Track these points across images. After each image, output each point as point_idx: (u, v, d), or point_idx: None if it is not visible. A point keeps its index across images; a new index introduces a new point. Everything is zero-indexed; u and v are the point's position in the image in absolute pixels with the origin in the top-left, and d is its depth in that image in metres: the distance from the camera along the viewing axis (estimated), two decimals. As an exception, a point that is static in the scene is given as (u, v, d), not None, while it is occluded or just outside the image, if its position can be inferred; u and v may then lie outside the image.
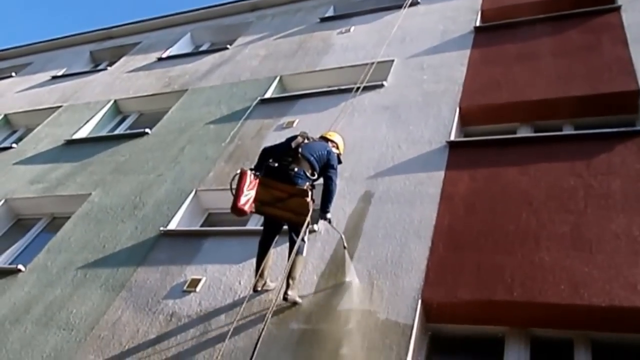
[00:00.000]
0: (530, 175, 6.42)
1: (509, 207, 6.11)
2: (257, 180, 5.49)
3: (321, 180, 5.83)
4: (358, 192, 6.94)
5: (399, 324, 5.20)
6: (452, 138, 7.39)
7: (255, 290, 5.59)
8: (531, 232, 5.72)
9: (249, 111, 9.61)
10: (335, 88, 9.40)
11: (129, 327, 6.19)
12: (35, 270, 7.62)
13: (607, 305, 4.86)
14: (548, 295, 5.06)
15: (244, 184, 5.37)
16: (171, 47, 14.01)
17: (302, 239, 5.45)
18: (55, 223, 9.01)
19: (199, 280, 6.44)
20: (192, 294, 6.32)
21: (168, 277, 6.68)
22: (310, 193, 5.47)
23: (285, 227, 5.81)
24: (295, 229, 5.55)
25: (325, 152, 5.85)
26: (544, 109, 7.70)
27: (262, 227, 5.99)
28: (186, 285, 6.45)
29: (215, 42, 14.29)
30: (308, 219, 5.33)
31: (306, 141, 5.81)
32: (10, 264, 8.41)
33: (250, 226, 7.19)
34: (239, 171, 5.49)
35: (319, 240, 6.35)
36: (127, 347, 5.95)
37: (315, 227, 6.43)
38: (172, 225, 7.59)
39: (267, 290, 5.82)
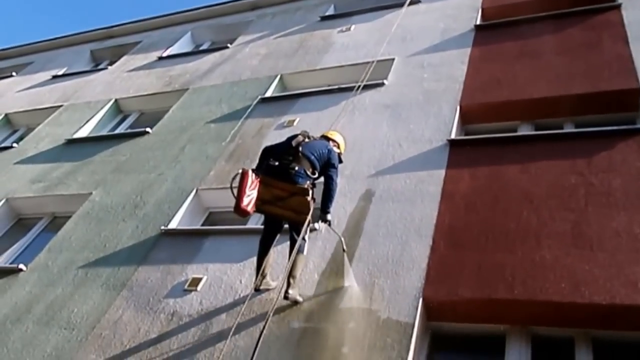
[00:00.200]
0: (531, 173, 6.42)
1: (509, 205, 6.11)
2: (259, 180, 5.49)
3: (322, 179, 5.83)
4: (359, 191, 6.94)
5: (400, 322, 5.21)
6: (453, 136, 7.39)
7: (256, 289, 5.60)
8: (532, 230, 5.71)
9: (249, 110, 9.61)
10: (336, 87, 9.40)
11: (130, 326, 6.19)
12: (37, 269, 7.63)
13: (608, 303, 4.86)
14: (549, 294, 5.06)
15: (246, 184, 5.35)
16: (172, 46, 14.01)
17: (303, 238, 5.45)
18: (56, 222, 9.02)
19: (200, 279, 6.44)
20: (193, 293, 6.33)
21: (169, 276, 6.68)
22: (311, 192, 5.47)
23: (286, 226, 5.81)
24: (296, 228, 5.55)
25: (326, 151, 5.84)
26: (544, 107, 7.69)
27: (262, 226, 5.98)
28: (187, 284, 6.46)
29: (216, 41, 14.29)
30: (309, 217, 5.32)
31: (307, 140, 5.81)
32: (11, 263, 8.42)
33: (251, 225, 7.19)
34: (240, 171, 5.49)
35: (319, 239, 6.35)
36: (128, 347, 5.95)
37: (316, 225, 6.42)
38: (173, 225, 7.59)
39: (268, 289, 5.83)
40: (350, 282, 5.73)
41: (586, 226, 5.57)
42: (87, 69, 14.95)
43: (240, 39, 12.93)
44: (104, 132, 11.48)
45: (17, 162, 10.72)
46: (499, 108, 7.91)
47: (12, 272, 7.72)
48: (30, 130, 12.18)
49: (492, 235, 5.81)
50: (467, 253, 5.71)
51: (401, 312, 5.29)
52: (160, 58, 13.45)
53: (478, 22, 10.05)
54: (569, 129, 7.48)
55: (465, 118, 7.98)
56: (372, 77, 8.32)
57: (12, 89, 14.65)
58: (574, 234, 5.52)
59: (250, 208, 5.35)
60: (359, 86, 7.60)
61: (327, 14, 12.78)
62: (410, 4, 10.86)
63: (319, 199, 5.70)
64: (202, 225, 7.98)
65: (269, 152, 5.84)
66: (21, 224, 9.58)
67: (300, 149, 5.67)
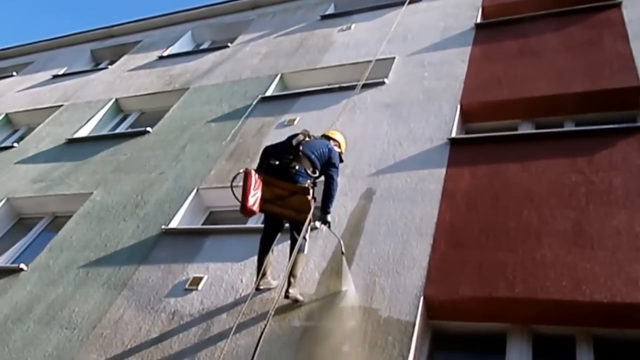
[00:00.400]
0: (532, 171, 6.42)
1: (510, 203, 6.10)
2: (261, 179, 5.48)
3: (323, 178, 5.83)
4: (359, 190, 6.94)
5: (401, 321, 5.21)
6: (453, 135, 7.38)
7: (257, 288, 5.60)
8: (532, 228, 5.71)
9: (250, 109, 9.61)
10: (336, 86, 9.40)
11: (131, 325, 6.20)
12: (37, 269, 7.63)
13: (609, 302, 4.86)
14: (550, 292, 5.06)
15: (250, 184, 5.35)
16: (172, 45, 14.01)
17: (304, 237, 5.46)
18: (57, 222, 9.02)
19: (201, 278, 6.44)
20: (194, 292, 6.33)
21: (170, 276, 6.68)
22: (311, 191, 5.47)
23: (287, 225, 5.81)
24: (297, 227, 5.56)
25: (327, 150, 5.84)
26: (545, 105, 7.69)
27: (263, 225, 5.98)
28: (188, 283, 6.46)
29: (216, 40, 14.29)
30: (309, 216, 5.32)
31: (307, 139, 5.81)
32: (12, 263, 8.43)
33: (252, 224, 7.18)
34: (241, 171, 5.48)
35: (320, 238, 6.35)
36: (129, 346, 5.95)
37: (317, 224, 6.42)
38: (174, 224, 7.60)
39: (269, 289, 5.82)
40: (348, 286, 5.69)
41: (587, 224, 5.57)
42: (87, 68, 14.95)
43: (241, 38, 12.93)
44: (105, 132, 11.48)
45: (18, 162, 10.72)
46: (499, 106, 7.91)
47: (13, 271, 7.73)
48: (30, 130, 12.19)
49: (492, 233, 5.81)
50: (468, 251, 5.71)
51: (402, 311, 5.29)
52: (161, 57, 13.45)
53: (478, 21, 10.06)
54: (569, 127, 7.48)
55: (466, 117, 7.98)
56: (373, 76, 8.33)
57: (12, 89, 14.65)
58: (574, 232, 5.52)
59: (256, 207, 5.34)
60: (360, 85, 7.60)
61: (327, 12, 12.78)
62: (410, 2, 10.87)
63: (319, 198, 5.70)
64: (203, 224, 7.98)
65: (270, 152, 5.83)
66: (22, 223, 9.59)
67: (301, 148, 5.67)
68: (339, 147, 6.19)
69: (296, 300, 5.64)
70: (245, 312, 5.68)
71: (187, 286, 6.43)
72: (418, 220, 6.24)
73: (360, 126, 8.06)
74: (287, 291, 5.45)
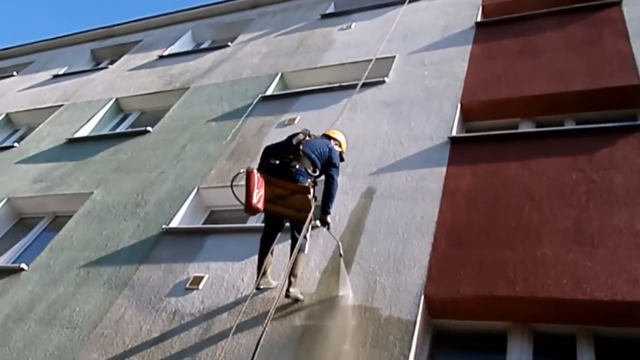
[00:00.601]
0: (532, 170, 6.42)
1: (510, 202, 6.10)
2: (264, 178, 5.49)
3: (323, 178, 5.83)
4: (360, 189, 6.94)
5: (401, 320, 5.21)
6: (454, 134, 7.38)
7: (257, 288, 5.60)
8: (533, 227, 5.71)
9: (250, 108, 9.61)
10: (337, 85, 9.40)
11: (132, 325, 6.20)
12: (38, 269, 7.64)
13: (610, 300, 4.86)
14: (550, 290, 5.06)
15: (254, 182, 5.35)
16: (172, 45, 14.01)
17: (304, 237, 5.47)
18: (58, 222, 9.03)
19: (202, 277, 6.45)
20: (194, 291, 6.33)
21: (170, 275, 6.69)
22: (312, 190, 5.47)
23: (287, 224, 5.81)
24: (297, 226, 5.57)
25: (327, 150, 5.83)
26: (545, 104, 7.69)
27: (263, 225, 5.98)
28: (189, 282, 6.46)
29: (216, 39, 14.29)
30: (310, 215, 5.32)
31: (307, 138, 5.80)
32: (13, 263, 8.43)
33: (252, 223, 7.18)
34: (242, 171, 5.49)
35: (321, 237, 6.35)
36: (130, 345, 5.96)
37: (318, 223, 6.43)
38: (174, 223, 7.60)
39: (269, 288, 5.82)
40: (346, 291, 5.65)
41: (587, 223, 5.57)
42: (87, 68, 14.95)
43: (241, 38, 12.93)
44: (105, 132, 11.48)
45: (18, 162, 10.73)
46: (499, 105, 7.90)
47: (14, 271, 7.73)
48: (31, 129, 12.20)
49: (493, 232, 5.81)
50: (469, 250, 5.71)
51: (403, 310, 5.29)
52: (161, 57, 13.45)
53: (478, 19, 10.05)
54: (569, 125, 7.47)
55: (466, 115, 7.98)
56: (373, 75, 8.33)
57: (12, 89, 14.65)
58: (575, 231, 5.52)
59: (261, 205, 5.34)
60: (360, 84, 7.59)
61: (327, 11, 12.78)
62: (410, 1, 10.89)
63: (320, 197, 5.70)
64: (204, 224, 7.98)
65: (270, 151, 5.83)
66: (22, 223, 9.59)
67: (301, 147, 5.66)
68: (340, 146, 6.18)
69: (297, 300, 5.65)
70: (247, 311, 5.69)
71: (187, 285, 6.43)
72: (419, 219, 6.24)
73: (360, 125, 8.06)
74: (287, 291, 5.45)
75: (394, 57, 9.56)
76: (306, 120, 8.44)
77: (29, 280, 7.49)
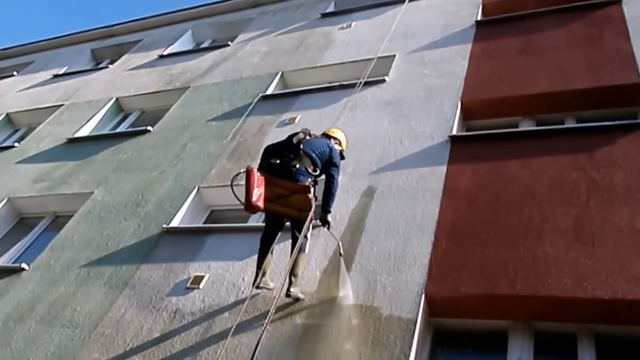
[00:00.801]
0: (533, 169, 6.41)
1: (511, 200, 6.10)
2: (264, 177, 5.49)
3: (324, 177, 5.83)
4: (360, 188, 6.94)
5: (402, 319, 5.21)
6: (454, 132, 7.38)
7: (256, 287, 5.58)
8: (534, 225, 5.71)
9: (250, 108, 9.61)
10: (337, 84, 9.39)
11: (133, 324, 6.20)
12: (39, 268, 7.64)
13: (610, 298, 4.86)
14: (551, 289, 5.06)
15: (254, 181, 5.36)
16: (172, 44, 14.01)
17: (305, 236, 5.47)
18: (58, 221, 9.04)
19: (202, 277, 6.45)
20: (195, 290, 6.33)
21: (171, 275, 6.69)
22: (312, 189, 5.47)
23: (288, 223, 5.81)
24: (298, 226, 5.57)
25: (327, 149, 5.84)
26: (545, 102, 7.69)
27: (264, 224, 5.98)
28: (189, 282, 6.46)
29: (217, 39, 14.29)
30: (310, 215, 5.33)
31: (308, 138, 5.81)
32: (13, 262, 8.44)
33: (253, 222, 7.19)
34: (242, 170, 5.49)
35: (321, 236, 6.34)
36: (131, 345, 5.96)
37: (319, 222, 6.43)
38: (175, 223, 7.60)
39: (267, 289, 5.78)
40: (346, 291, 5.64)
41: (588, 221, 5.57)
42: (87, 67, 14.96)
43: (241, 37, 12.93)
44: (105, 131, 11.48)
45: (19, 162, 10.73)
46: (500, 104, 7.90)
47: (15, 271, 7.74)
48: (31, 129, 12.21)
49: (493, 231, 5.81)
50: (469, 249, 5.71)
51: (403, 309, 5.29)
52: (161, 56, 13.45)
53: (479, 18, 10.04)
54: (570, 124, 7.47)
55: (467, 114, 7.98)
56: (373, 74, 8.32)
57: (13, 89, 14.66)
58: (575, 229, 5.52)
59: (261, 203, 5.35)
60: (360, 83, 7.59)
61: (327, 11, 12.77)
62: (410, 0, 10.85)
63: (320, 196, 5.70)
64: (204, 223, 7.98)
65: (271, 151, 5.84)
66: (23, 223, 9.59)
67: (302, 146, 5.67)
68: (340, 145, 6.19)
69: (298, 299, 5.65)
70: (248, 310, 5.70)
71: (188, 285, 6.43)
72: (419, 218, 6.24)
73: (361, 124, 8.06)
74: (288, 290, 5.45)
75: (394, 56, 9.56)
76: (306, 120, 8.44)
77: (30, 280, 7.49)
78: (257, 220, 7.10)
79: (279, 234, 5.74)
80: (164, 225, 7.50)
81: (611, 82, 7.43)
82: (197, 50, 13.40)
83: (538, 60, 8.32)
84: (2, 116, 13.21)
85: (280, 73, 10.59)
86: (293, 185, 5.47)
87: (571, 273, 5.12)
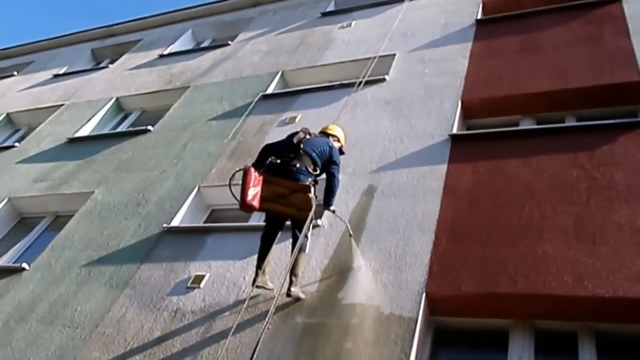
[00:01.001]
0: (533, 167, 6.41)
1: (511, 199, 6.10)
2: (261, 177, 5.50)
3: (324, 176, 5.83)
4: (361, 187, 6.94)
5: (403, 317, 5.21)
6: (455, 131, 7.38)
7: (256, 286, 5.57)
8: (534, 224, 5.71)
9: (251, 107, 9.61)
10: (337, 83, 9.39)
11: (134, 324, 6.20)
12: (40, 268, 7.64)
13: (611, 296, 4.86)
14: (552, 287, 5.06)
15: (250, 180, 5.37)
16: (172, 44, 14.01)
17: (305, 235, 5.47)
18: (59, 221, 9.04)
19: (203, 276, 6.45)
20: (196, 290, 6.34)
21: (172, 274, 6.69)
22: (312, 189, 5.48)
23: (288, 222, 5.82)
24: (298, 225, 5.57)
25: (327, 148, 5.85)
26: (546, 101, 7.68)
27: (264, 223, 5.98)
28: (190, 281, 6.47)
29: (217, 38, 14.29)
30: (311, 214, 5.33)
31: (307, 137, 5.81)
32: (14, 262, 8.45)
33: (253, 222, 7.19)
34: (239, 169, 5.50)
35: (322, 236, 6.36)
36: (131, 344, 5.96)
37: (319, 222, 6.45)
38: (176, 222, 7.60)
39: (266, 289, 5.76)
40: (359, 263, 5.80)
41: (588, 220, 5.57)
42: (88, 67, 14.96)
43: (241, 36, 12.92)
44: (106, 131, 11.48)
45: (19, 162, 10.73)
46: (500, 102, 7.90)
47: (16, 271, 7.74)
48: (31, 129, 12.21)
49: (494, 229, 5.81)
50: (470, 248, 5.70)
51: (404, 307, 5.29)
52: (161, 56, 13.45)
53: (479, 17, 10.04)
54: (570, 122, 7.47)
55: (467, 113, 7.97)
56: (373, 73, 8.31)
57: (13, 89, 14.66)
58: (576, 228, 5.52)
59: (256, 203, 5.36)
60: (360, 82, 7.59)
61: (327, 10, 12.76)
62: (410, -1, 10.88)
63: (321, 196, 5.71)
64: (205, 222, 7.98)
65: (270, 150, 5.85)
66: (24, 223, 9.60)
67: (302, 146, 5.68)
68: (339, 141, 6.20)
69: (298, 299, 5.65)
70: (249, 309, 5.71)
71: (189, 284, 6.44)
72: (420, 217, 6.24)
73: (361, 123, 8.06)
74: (288, 290, 5.45)
75: (394, 55, 9.55)
76: (307, 119, 8.43)
77: (31, 279, 7.49)
78: (257, 220, 7.10)
79: (280, 233, 5.74)
80: (165, 225, 7.50)
81: (611, 81, 7.43)
82: (197, 50, 13.40)
83: (538, 59, 8.31)
84: (3, 116, 13.22)
85: (280, 72, 10.59)
86: (293, 184, 5.48)
87: (572, 271, 5.12)
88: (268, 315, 4.19)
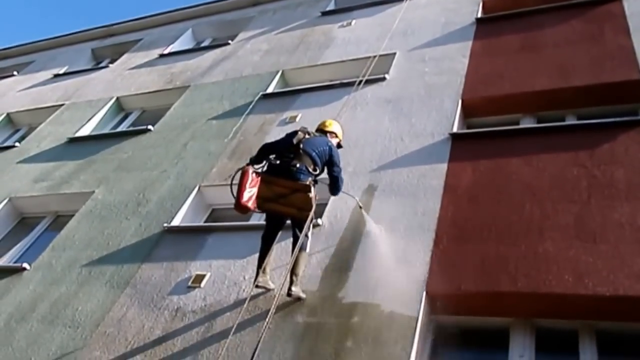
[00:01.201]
0: (534, 166, 6.41)
1: (512, 198, 6.10)
2: (259, 178, 5.50)
3: (324, 175, 5.83)
4: (361, 186, 6.93)
5: (403, 316, 5.20)
6: (455, 130, 7.38)
7: (256, 286, 5.58)
8: (535, 222, 5.71)
9: (251, 106, 9.60)
10: (337, 82, 9.40)
11: (135, 323, 6.21)
12: (40, 268, 7.64)
13: (612, 295, 4.85)
14: (552, 286, 5.06)
15: (246, 181, 5.40)
16: (173, 43, 14.01)
17: (306, 235, 5.47)
18: (59, 221, 9.04)
19: (204, 275, 6.45)
20: (196, 289, 6.34)
21: (172, 273, 6.69)
22: (313, 188, 5.47)
23: (289, 222, 5.82)
24: (299, 225, 5.57)
25: (327, 148, 5.85)
26: (546, 99, 7.68)
27: (265, 223, 5.98)
28: (191, 281, 6.47)
29: (217, 37, 14.28)
30: (311, 214, 5.33)
31: (307, 137, 5.81)
32: (15, 262, 8.46)
33: (254, 221, 7.18)
34: (239, 169, 5.51)
35: (323, 235, 6.36)
36: (132, 344, 5.97)
37: (319, 221, 6.45)
38: (176, 222, 7.60)
39: (266, 288, 5.77)
40: (371, 226, 6.10)
41: (589, 218, 5.57)
42: (88, 67, 14.96)
43: (242, 36, 12.92)
44: (106, 131, 11.48)
45: (20, 162, 10.74)
46: (500, 101, 7.89)
47: (16, 271, 7.75)
48: (32, 129, 12.21)
49: (495, 228, 5.81)
50: (470, 246, 5.71)
51: (405, 306, 5.29)
52: (162, 55, 13.45)
53: (479, 15, 10.04)
54: (571, 121, 7.47)
55: (467, 111, 7.97)
56: (374, 72, 8.31)
57: (13, 89, 14.66)
58: (576, 226, 5.51)
59: (250, 204, 5.38)
60: (361, 81, 7.59)
61: (327, 9, 12.76)
62: (410, -2, 10.87)
63: (321, 195, 5.72)
64: (205, 222, 7.98)
65: (269, 150, 5.85)
66: (24, 223, 9.60)
67: (302, 146, 5.68)
68: (337, 136, 6.20)
69: (299, 299, 5.65)
70: (249, 308, 5.70)
71: (189, 284, 6.44)
72: (420, 216, 6.24)
73: (361, 122, 8.05)
74: (289, 289, 5.45)
75: (395, 53, 9.55)
76: (307, 118, 8.42)
77: (31, 279, 7.49)
78: (258, 219, 7.10)
79: (280, 233, 5.74)
80: (165, 224, 7.50)
81: (612, 79, 7.42)
82: (197, 49, 13.40)
83: (538, 58, 8.31)
84: (3, 116, 13.22)
85: (280, 71, 10.59)
86: (294, 184, 5.48)
87: (572, 270, 5.12)
88: (269, 315, 4.20)
